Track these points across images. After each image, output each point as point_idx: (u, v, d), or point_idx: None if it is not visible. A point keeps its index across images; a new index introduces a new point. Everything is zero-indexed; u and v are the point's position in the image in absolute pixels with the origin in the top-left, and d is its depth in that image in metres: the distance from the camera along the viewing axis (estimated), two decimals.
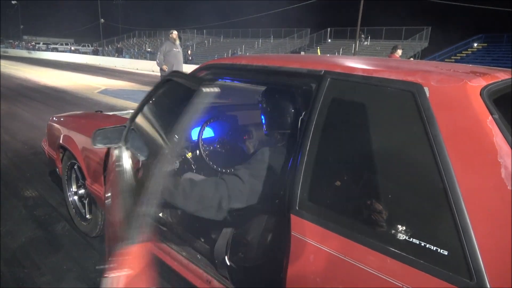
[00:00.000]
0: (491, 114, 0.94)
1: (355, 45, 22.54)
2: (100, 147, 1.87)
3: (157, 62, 7.20)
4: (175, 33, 7.18)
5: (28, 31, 63.29)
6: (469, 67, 1.34)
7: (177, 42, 7.14)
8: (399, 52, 7.54)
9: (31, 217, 2.88)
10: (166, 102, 2.02)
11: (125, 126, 1.88)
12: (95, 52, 36.22)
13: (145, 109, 1.88)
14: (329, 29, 30.77)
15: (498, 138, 0.90)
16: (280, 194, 1.32)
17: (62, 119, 2.92)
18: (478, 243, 0.85)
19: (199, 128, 2.24)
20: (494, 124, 0.92)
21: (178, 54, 7.16)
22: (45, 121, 3.20)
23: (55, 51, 42.37)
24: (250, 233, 1.52)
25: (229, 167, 2.03)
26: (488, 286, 0.82)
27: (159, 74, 7.62)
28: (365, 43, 27.53)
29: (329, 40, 30.76)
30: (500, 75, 1.16)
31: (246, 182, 1.42)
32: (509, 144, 0.89)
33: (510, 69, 1.32)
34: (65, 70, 19.23)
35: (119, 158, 1.80)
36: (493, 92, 1.03)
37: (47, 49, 45.75)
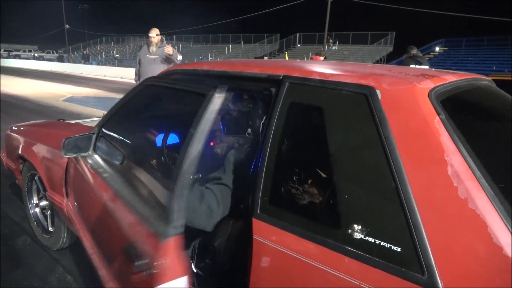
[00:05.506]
0: (438, 114, 0.98)
1: (323, 50, 22.99)
2: (70, 156, 1.82)
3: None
4: (150, 34, 5.13)
5: None
6: (420, 70, 1.40)
7: (153, 47, 5.12)
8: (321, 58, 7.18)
9: None
10: (146, 107, 2.04)
11: (93, 134, 1.85)
12: (60, 59, 35.11)
13: (120, 115, 1.86)
14: (298, 34, 31.29)
15: (444, 137, 0.94)
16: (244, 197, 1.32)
17: (21, 128, 2.81)
18: (429, 239, 0.88)
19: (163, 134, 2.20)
20: (441, 124, 0.96)
21: (153, 63, 5.09)
22: (5, 131, 3.07)
23: (18, 58, 40.72)
24: (216, 239, 1.51)
25: (197, 174, 2.01)
26: (439, 280, 0.85)
27: (127, 80, 6.84)
28: (333, 47, 28.13)
29: (299, 45, 31.26)
30: (448, 78, 1.22)
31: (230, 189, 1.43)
32: (454, 143, 0.93)
33: (456, 72, 1.39)
34: (28, 78, 18.51)
35: (98, 165, 1.77)
36: (440, 93, 1.08)
37: (8, 56, 43.79)
